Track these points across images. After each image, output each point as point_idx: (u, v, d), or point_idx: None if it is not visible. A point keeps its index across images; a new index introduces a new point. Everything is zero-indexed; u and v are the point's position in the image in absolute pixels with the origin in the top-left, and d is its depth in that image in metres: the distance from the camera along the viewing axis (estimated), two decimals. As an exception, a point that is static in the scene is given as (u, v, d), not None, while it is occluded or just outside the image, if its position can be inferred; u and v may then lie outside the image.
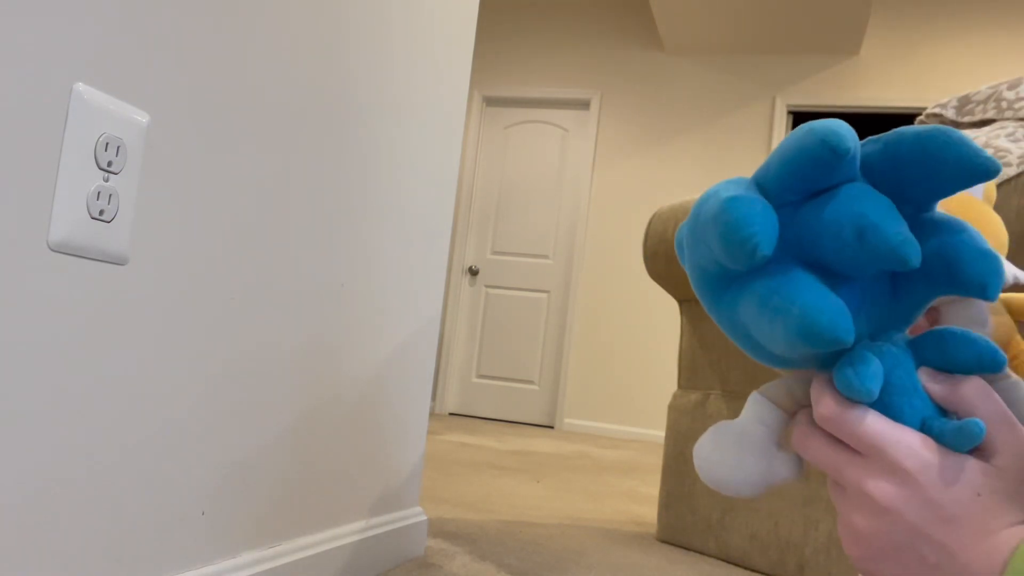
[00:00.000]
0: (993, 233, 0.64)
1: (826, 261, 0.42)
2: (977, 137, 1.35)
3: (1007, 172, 1.24)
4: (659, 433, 4.85)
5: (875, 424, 0.42)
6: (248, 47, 0.83)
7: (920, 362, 0.44)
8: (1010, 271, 0.58)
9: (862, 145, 0.43)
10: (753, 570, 1.50)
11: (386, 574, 1.20)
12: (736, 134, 4.98)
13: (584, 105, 5.30)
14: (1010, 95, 1.43)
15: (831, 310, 0.39)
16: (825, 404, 0.43)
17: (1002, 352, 0.43)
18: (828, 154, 0.40)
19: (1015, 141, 1.30)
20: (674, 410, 1.74)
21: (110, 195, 0.66)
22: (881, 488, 0.41)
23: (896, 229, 0.39)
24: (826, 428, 0.44)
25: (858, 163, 0.43)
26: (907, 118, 4.79)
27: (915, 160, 0.41)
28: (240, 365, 0.86)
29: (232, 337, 0.85)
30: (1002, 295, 0.59)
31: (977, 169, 0.40)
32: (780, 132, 4.89)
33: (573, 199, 5.23)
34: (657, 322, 4.95)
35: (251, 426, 0.89)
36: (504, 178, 5.37)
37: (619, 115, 5.20)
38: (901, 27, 4.79)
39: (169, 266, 0.75)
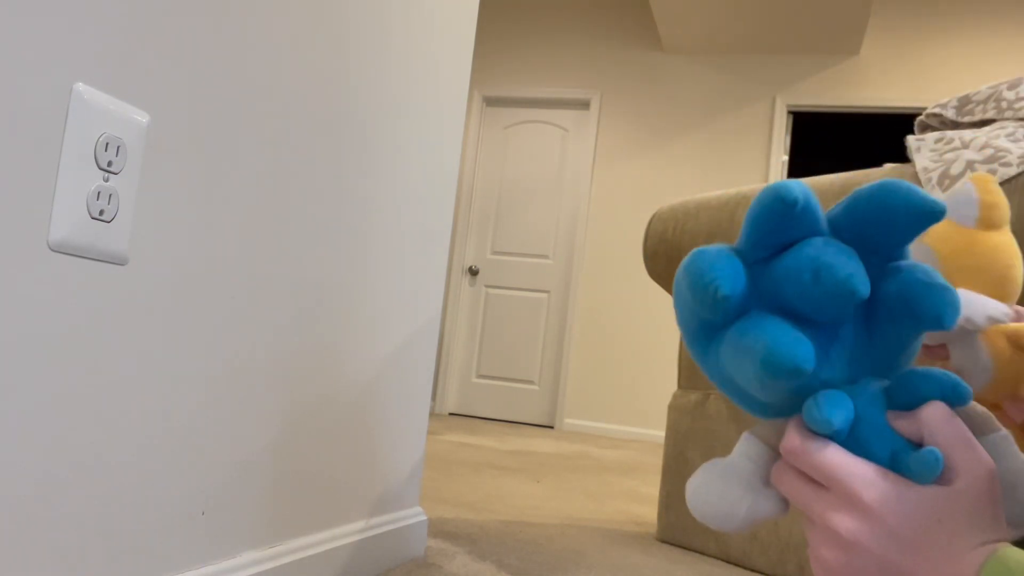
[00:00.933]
0: (985, 264, 0.61)
1: (792, 306, 0.45)
2: (977, 137, 1.35)
3: (1007, 172, 1.24)
4: (659, 433, 4.84)
5: (834, 456, 0.43)
6: (248, 48, 0.83)
7: (892, 404, 0.46)
8: (979, 304, 0.58)
9: (832, 208, 0.48)
10: (753, 570, 1.50)
11: (386, 574, 1.20)
12: (736, 134, 4.98)
13: (584, 105, 5.30)
14: (1010, 95, 1.43)
15: (790, 341, 0.42)
16: (790, 438, 0.45)
17: (964, 384, 0.45)
18: (779, 205, 0.44)
19: (1015, 141, 1.30)
20: (674, 410, 1.74)
21: (110, 195, 0.66)
22: (844, 522, 0.42)
23: (846, 266, 0.43)
24: (790, 461, 0.45)
25: (821, 219, 0.47)
26: (907, 118, 4.78)
27: (872, 213, 0.45)
28: (240, 365, 0.86)
29: (232, 337, 0.85)
30: (1010, 327, 0.58)
31: (923, 212, 0.44)
32: (780, 132, 4.89)
33: (573, 199, 5.23)
34: (657, 322, 4.95)
35: (251, 426, 0.89)
36: (504, 178, 5.37)
37: (619, 115, 5.20)
38: (901, 27, 4.79)
39: (169, 266, 0.75)
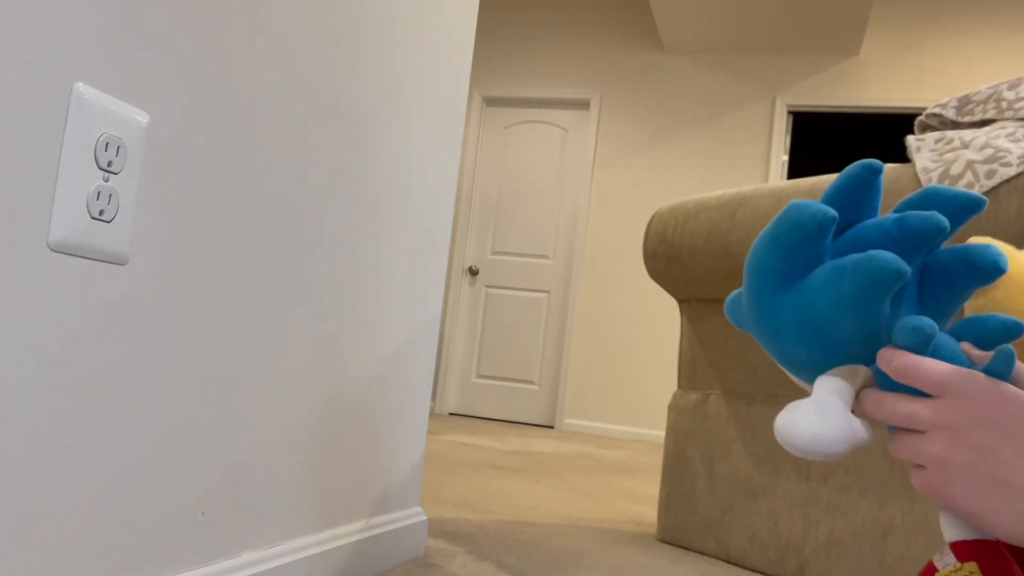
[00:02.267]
0: None
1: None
2: (977, 137, 1.35)
3: (1007, 172, 1.24)
4: (659, 433, 4.84)
5: (942, 366, 0.50)
6: (248, 48, 0.83)
7: (959, 340, 0.53)
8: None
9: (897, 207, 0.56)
10: (753, 570, 1.50)
11: (386, 574, 1.20)
12: (736, 134, 4.98)
13: (584, 105, 5.30)
14: (1010, 95, 1.43)
15: (891, 255, 0.48)
16: (899, 358, 0.51)
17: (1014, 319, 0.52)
18: (868, 174, 0.53)
19: (1015, 141, 1.30)
20: (674, 410, 1.74)
21: (110, 195, 0.66)
22: (951, 414, 0.48)
23: (924, 214, 0.50)
24: (901, 378, 0.51)
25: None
26: (907, 118, 4.78)
27: (923, 205, 0.54)
28: (240, 365, 0.86)
29: (231, 337, 0.85)
30: None
31: (967, 201, 0.53)
32: (780, 132, 4.89)
33: (573, 199, 5.23)
34: (657, 322, 4.95)
35: (251, 426, 0.89)
36: (504, 178, 5.37)
37: (619, 115, 5.20)
38: (901, 27, 4.79)
39: (169, 266, 0.75)
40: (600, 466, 3.14)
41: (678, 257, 1.67)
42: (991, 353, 0.51)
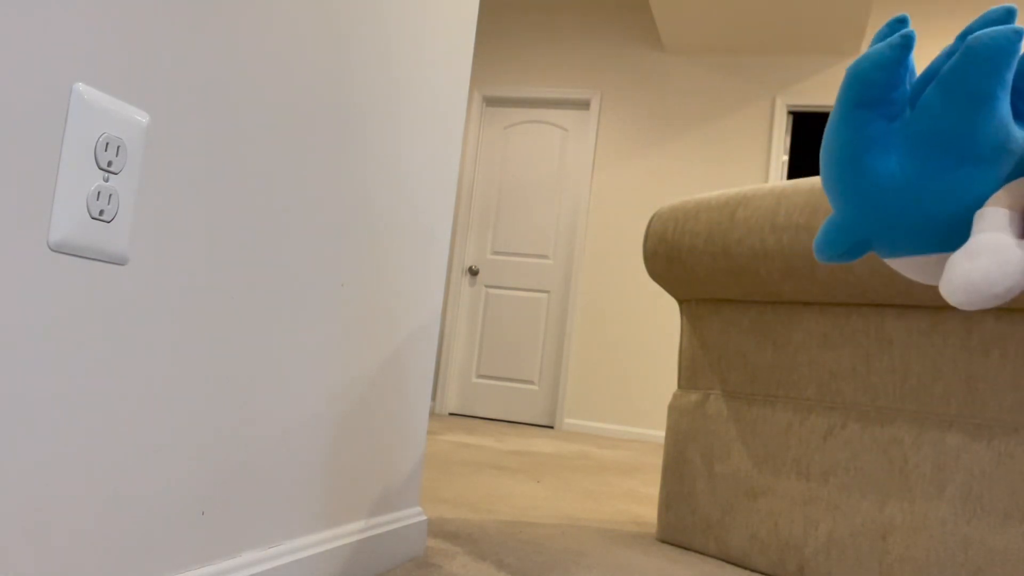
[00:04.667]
0: None
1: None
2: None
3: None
4: (659, 433, 4.84)
5: None
6: (248, 48, 0.83)
7: None
8: None
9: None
10: (753, 570, 1.50)
11: (386, 574, 1.20)
12: (736, 134, 4.98)
13: (584, 105, 5.30)
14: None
15: (986, 31, 0.46)
16: None
17: None
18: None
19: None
20: (674, 410, 1.74)
21: (110, 195, 0.66)
22: None
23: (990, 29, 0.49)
24: None
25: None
26: (907, 118, 4.77)
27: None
28: (239, 365, 0.86)
29: (231, 337, 0.85)
30: None
31: None
32: (780, 132, 4.89)
33: (573, 199, 5.23)
34: (657, 322, 4.95)
35: (251, 426, 0.89)
36: (504, 178, 5.37)
37: (619, 115, 5.19)
38: (901, 27, 4.79)
39: (169, 266, 0.75)
40: (600, 466, 3.13)
41: (678, 257, 1.67)
42: None
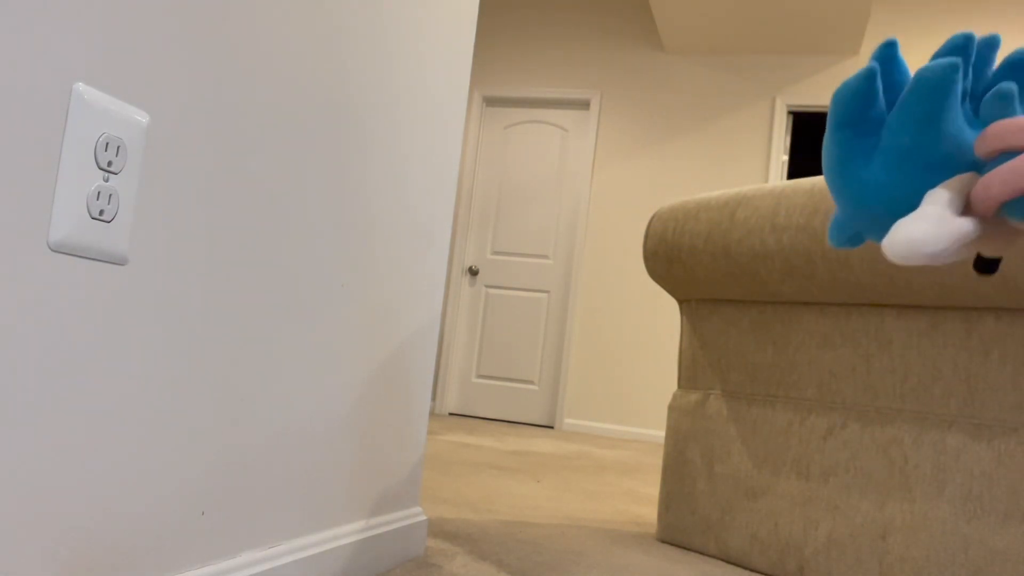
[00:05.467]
0: None
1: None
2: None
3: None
4: (659, 433, 4.84)
5: None
6: (248, 48, 0.83)
7: None
8: None
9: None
10: (753, 570, 1.50)
11: (386, 574, 1.20)
12: (736, 134, 4.98)
13: (584, 105, 5.30)
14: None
15: (931, 63, 0.53)
16: (1008, 123, 0.52)
17: None
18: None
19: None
20: (674, 410, 1.74)
21: (110, 195, 0.66)
22: None
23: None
24: (999, 140, 0.51)
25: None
26: (907, 118, 4.77)
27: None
28: (239, 365, 0.86)
29: (231, 337, 0.85)
30: None
31: None
32: (780, 132, 4.89)
33: (573, 199, 5.23)
34: (657, 322, 4.95)
35: (251, 426, 0.89)
36: (504, 178, 5.37)
37: (619, 115, 5.20)
38: (901, 27, 4.79)
39: (169, 266, 0.75)
40: (600, 466, 3.14)
41: (678, 257, 1.67)
42: None
